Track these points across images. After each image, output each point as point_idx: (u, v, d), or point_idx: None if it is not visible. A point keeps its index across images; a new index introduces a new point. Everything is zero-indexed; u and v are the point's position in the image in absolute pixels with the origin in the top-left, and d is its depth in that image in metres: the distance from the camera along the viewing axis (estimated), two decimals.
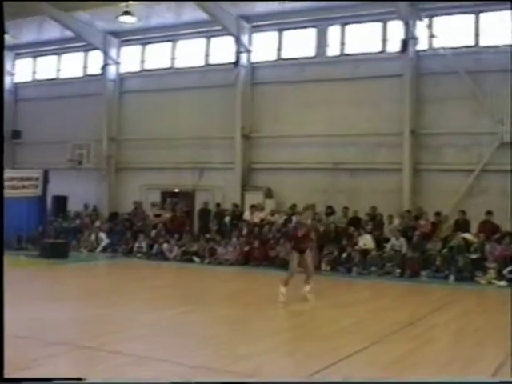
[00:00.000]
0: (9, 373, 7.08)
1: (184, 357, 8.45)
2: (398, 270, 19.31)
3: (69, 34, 27.12)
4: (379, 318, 12.06)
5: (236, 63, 24.96)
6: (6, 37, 25.29)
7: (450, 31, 21.85)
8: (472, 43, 21.69)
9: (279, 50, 25.04)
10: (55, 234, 25.33)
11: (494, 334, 10.58)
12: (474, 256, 18.69)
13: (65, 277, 19.07)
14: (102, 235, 24.61)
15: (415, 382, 7.28)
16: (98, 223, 25.64)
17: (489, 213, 19.82)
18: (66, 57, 30.06)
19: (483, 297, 16.54)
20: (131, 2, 23.15)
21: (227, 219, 23.62)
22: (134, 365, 8.04)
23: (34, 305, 12.58)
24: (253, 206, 23.39)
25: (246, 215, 23.35)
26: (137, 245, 23.62)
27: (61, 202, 27.63)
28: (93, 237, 24.75)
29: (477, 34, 21.59)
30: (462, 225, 20.14)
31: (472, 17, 21.66)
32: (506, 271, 17.84)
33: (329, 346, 9.39)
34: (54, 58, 30.34)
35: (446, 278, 18.51)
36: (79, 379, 6.15)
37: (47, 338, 9.24)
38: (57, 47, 29.65)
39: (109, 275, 20.64)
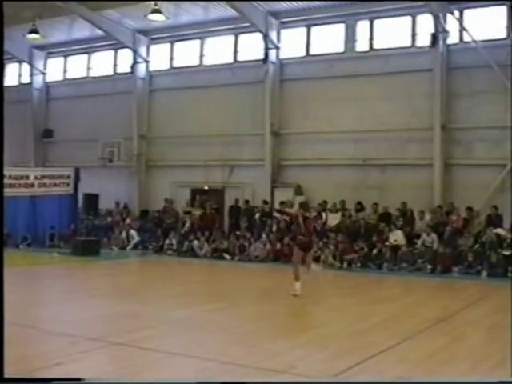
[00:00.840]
0: (41, 368, 7.18)
1: (215, 353, 8.46)
2: (429, 266, 19.19)
3: (99, 32, 27.38)
4: (410, 315, 11.99)
5: (265, 60, 24.95)
6: (37, 36, 25.65)
7: (481, 24, 21.60)
8: (504, 36, 21.43)
9: (308, 46, 25.00)
10: (87, 231, 25.56)
11: None
12: (506, 252, 18.49)
13: (96, 274, 19.22)
14: (133, 233, 24.78)
15: (415, 382, 7.22)
16: (128, 221, 25.81)
17: None
18: (96, 55, 30.33)
19: None
20: (159, 1, 23.23)
21: (257, 216, 23.63)
22: (164, 361, 8.07)
23: (66, 301, 12.70)
24: (282, 203, 23.35)
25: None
26: (167, 242, 23.74)
27: (92, 199, 27.85)
28: (123, 234, 24.93)
29: (508, 27, 21.33)
30: (495, 220, 19.94)
31: (504, 8, 21.39)
32: None
33: (360, 343, 9.35)
34: (84, 56, 30.61)
35: (478, 273, 18.39)
36: (79, 379, 6.20)
37: (79, 334, 9.30)
38: (87, 46, 29.91)
39: (140, 272, 20.76)
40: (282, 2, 24.08)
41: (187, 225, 24.37)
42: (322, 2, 23.65)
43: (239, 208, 24.60)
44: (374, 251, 20.25)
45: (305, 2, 23.83)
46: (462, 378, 7.34)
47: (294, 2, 24.00)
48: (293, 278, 13.37)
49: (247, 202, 24.56)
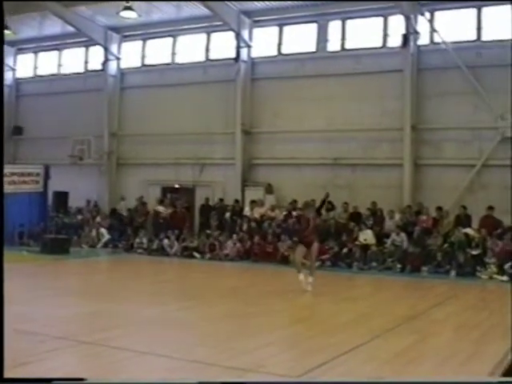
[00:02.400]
0: (9, 367, 7.10)
1: (183, 352, 8.44)
2: (399, 266, 19.32)
3: (70, 29, 27.14)
4: (380, 313, 12.06)
5: (236, 58, 24.95)
6: (8, 32, 25.37)
7: (452, 26, 21.83)
8: (473, 38, 21.65)
9: (279, 45, 25.03)
10: (56, 229, 25.32)
11: (494, 330, 10.58)
12: (475, 252, 18.67)
13: (66, 272, 19.08)
14: (103, 231, 24.62)
15: (414, 382, 7.26)
16: (98, 219, 25.64)
17: (490, 208, 19.81)
18: (67, 52, 30.07)
19: (484, 292, 16.54)
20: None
21: (228, 215, 23.62)
22: (132, 360, 8.03)
23: (34, 300, 12.59)
24: (253, 202, 23.39)
25: (246, 211, 23.35)
26: (137, 240, 23.63)
27: (62, 197, 27.59)
28: (94, 232, 24.77)
29: (478, 29, 21.56)
30: (463, 220, 20.13)
31: (474, 11, 21.61)
32: (507, 266, 17.84)
33: (330, 341, 9.39)
34: (55, 53, 30.35)
35: (446, 273, 18.54)
36: (80, 379, 6.14)
37: (47, 332, 9.23)
38: (58, 42, 29.66)
39: (110, 271, 20.66)
40: (254, 2, 24.09)
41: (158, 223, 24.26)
42: (295, 2, 23.67)
43: (210, 207, 24.55)
44: (344, 250, 20.33)
45: (277, 2, 23.83)
46: (461, 378, 7.38)
47: (266, 2, 24.01)
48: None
49: (221, 200, 24.49)
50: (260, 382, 7.15)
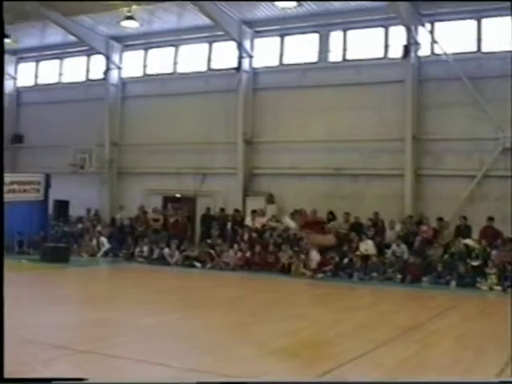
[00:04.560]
0: (6, 374, 7.07)
1: (180, 360, 8.39)
2: (399, 276, 19.31)
3: (71, 38, 27.23)
4: (381, 323, 12.03)
5: (238, 68, 25.01)
6: (9, 41, 25.42)
7: (452, 37, 21.89)
8: (474, 49, 21.71)
9: (281, 55, 25.09)
10: (56, 238, 25.29)
11: (495, 340, 10.55)
12: (475, 262, 18.65)
13: (65, 281, 19.05)
14: (103, 240, 24.59)
15: (415, 383, 7.25)
16: (99, 228, 25.61)
17: (490, 219, 19.82)
18: (68, 61, 30.14)
19: (484, 303, 16.48)
20: (134, 7, 23.18)
21: (229, 225, 23.61)
22: (129, 368, 8.01)
23: (33, 309, 12.55)
24: (254, 212, 23.38)
25: (247, 220, 23.34)
26: (138, 249, 23.60)
27: (62, 206, 27.57)
28: (94, 241, 24.73)
29: (479, 40, 21.61)
30: (464, 231, 20.14)
31: (474, 22, 21.67)
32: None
33: (331, 351, 9.37)
34: (56, 62, 30.41)
35: (447, 283, 18.51)
36: (80, 379, 6.12)
37: (45, 341, 9.20)
38: (59, 51, 29.72)
39: (109, 280, 20.63)
40: (255, 12, 24.14)
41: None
42: (296, 12, 23.69)
43: (211, 216, 24.53)
44: (345, 260, 20.31)
45: (279, 12, 23.88)
46: (461, 379, 7.38)
47: (267, 12, 24.05)
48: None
49: (222, 210, 24.46)
50: (260, 381, 7.13)
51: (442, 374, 8.12)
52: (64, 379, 6.22)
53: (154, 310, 12.85)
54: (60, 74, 30.36)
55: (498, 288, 17.67)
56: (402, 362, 8.73)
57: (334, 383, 6.84)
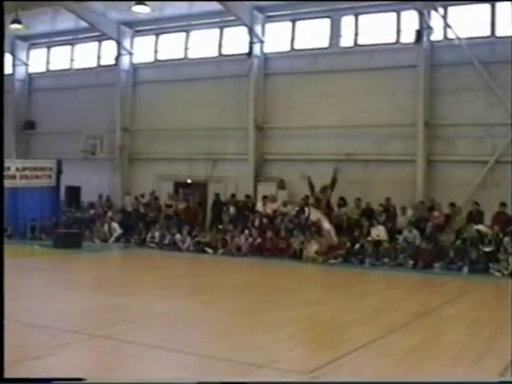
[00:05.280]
0: (21, 360, 7.13)
1: (196, 347, 8.44)
2: (411, 262, 19.30)
3: (83, 24, 27.20)
4: (392, 309, 12.05)
5: (249, 54, 24.94)
6: (20, 27, 25.46)
7: (465, 21, 21.71)
8: (487, 33, 21.54)
9: (292, 40, 24.98)
10: (69, 224, 25.41)
11: (507, 327, 10.52)
12: (487, 248, 18.60)
13: (78, 267, 19.15)
14: (115, 225, 24.68)
15: (414, 382, 7.25)
16: (110, 213, 25.70)
17: (503, 204, 19.75)
18: (79, 47, 30.14)
19: (496, 289, 16.44)
20: None
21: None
22: (145, 354, 8.05)
23: (47, 294, 12.64)
24: (265, 197, 23.39)
25: (259, 206, 23.35)
26: (149, 235, 23.68)
27: (74, 192, 27.70)
28: (106, 227, 24.83)
29: (492, 24, 21.44)
30: (476, 216, 20.06)
31: (488, 6, 21.49)
32: None
33: (343, 336, 9.40)
34: (67, 48, 30.42)
35: (459, 269, 18.49)
36: (80, 379, 6.16)
37: (60, 326, 9.26)
38: (71, 37, 29.72)
39: (121, 265, 20.72)
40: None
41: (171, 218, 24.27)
42: None
43: (221, 202, 24.54)
44: (357, 246, 20.31)
45: None
46: (462, 378, 7.37)
47: None
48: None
49: (233, 195, 24.45)
50: (260, 381, 7.15)
51: (453, 362, 8.12)
52: (64, 379, 6.26)
53: (166, 296, 12.91)
54: (71, 60, 30.37)
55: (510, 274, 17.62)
56: (411, 349, 8.73)
57: (334, 383, 6.85)
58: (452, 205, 20.52)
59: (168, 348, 8.33)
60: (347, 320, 10.84)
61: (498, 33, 21.38)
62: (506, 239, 18.65)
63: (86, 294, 13.10)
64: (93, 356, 8.20)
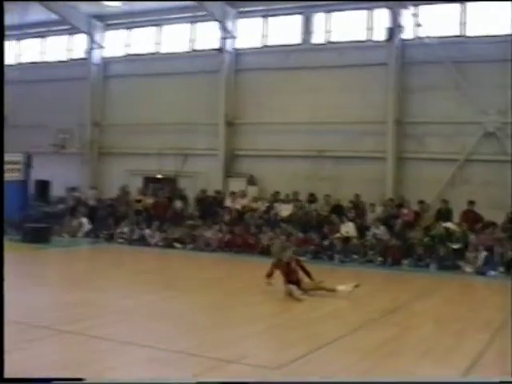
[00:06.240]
0: None
1: (165, 342, 8.44)
2: (380, 258, 19.39)
3: (54, 16, 26.90)
4: (360, 306, 12.12)
5: (221, 49, 24.87)
6: None
7: (436, 20, 21.86)
8: (458, 33, 21.72)
9: (264, 36, 24.96)
10: (37, 218, 25.13)
11: (473, 323, 10.66)
12: (455, 245, 18.77)
13: (46, 262, 18.99)
14: (84, 220, 24.48)
15: (415, 382, 7.29)
16: (80, 208, 25.46)
17: (471, 202, 19.92)
18: (50, 40, 29.81)
19: (463, 286, 16.62)
20: None
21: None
22: (115, 350, 8.02)
23: (15, 289, 12.50)
24: (233, 193, 23.35)
25: (227, 202, 23.31)
26: (118, 230, 23.53)
27: (43, 186, 27.41)
28: (75, 222, 24.61)
29: (463, 24, 21.62)
30: (444, 214, 20.22)
31: (458, 6, 21.67)
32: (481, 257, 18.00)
33: (311, 332, 9.43)
34: (38, 40, 30.10)
35: (427, 266, 18.61)
36: (79, 379, 6.14)
37: (28, 322, 9.19)
38: (41, 30, 29.37)
39: (90, 260, 20.56)
40: None
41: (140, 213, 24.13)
42: None
43: (185, 197, 24.46)
44: (326, 242, 20.37)
45: None
46: (462, 378, 7.43)
47: None
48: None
49: (203, 191, 24.34)
50: (260, 382, 7.16)
51: (420, 357, 8.20)
52: (64, 379, 6.23)
53: (134, 291, 12.87)
54: (42, 53, 30.06)
55: (478, 271, 17.80)
56: (379, 345, 8.81)
57: (334, 383, 6.89)
58: (421, 202, 20.67)
59: (137, 343, 8.32)
60: (315, 316, 10.90)
61: (468, 32, 21.55)
62: (472, 237, 18.85)
63: (54, 289, 13.02)
64: (62, 351, 8.15)
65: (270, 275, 13.04)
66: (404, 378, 7.26)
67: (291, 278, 12.91)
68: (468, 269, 18.08)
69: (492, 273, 17.60)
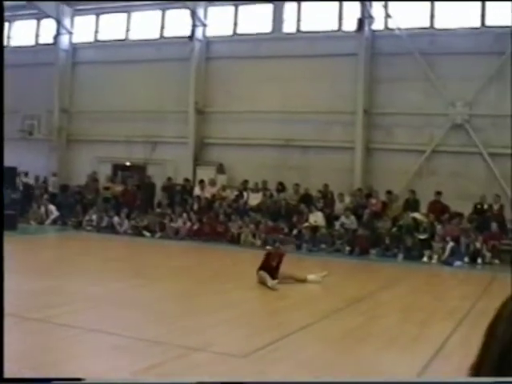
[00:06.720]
0: None
1: (133, 330, 8.42)
2: (348, 248, 19.52)
3: (21, 1, 26.53)
4: (328, 294, 12.22)
5: (191, 37, 24.75)
6: None
7: (406, 12, 21.97)
8: (427, 25, 21.86)
9: (235, 24, 24.89)
10: (3, 205, 24.84)
11: (438, 312, 10.79)
12: (422, 236, 18.95)
13: (13, 249, 18.70)
14: (52, 207, 24.28)
15: (414, 382, 7.37)
16: (47, 195, 25.26)
17: (438, 193, 20.13)
18: (17, 24, 29.41)
19: (430, 276, 16.81)
20: None
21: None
22: (81, 337, 7.99)
23: None
24: (201, 182, 23.30)
25: (196, 190, 23.28)
26: (87, 218, 23.38)
27: (10, 173, 27.09)
28: (42, 209, 24.40)
29: (432, 16, 21.77)
30: (412, 204, 20.42)
31: None
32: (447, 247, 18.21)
33: (278, 321, 9.49)
34: (5, 25, 29.67)
35: (394, 256, 18.79)
36: (79, 379, 6.09)
37: None
38: (8, 14, 28.90)
39: (58, 248, 20.43)
40: None
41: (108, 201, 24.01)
42: None
43: (152, 185, 24.42)
44: (294, 232, 20.45)
45: None
46: (462, 378, 7.51)
47: None
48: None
49: (169, 179, 24.30)
50: (260, 381, 7.17)
51: (386, 346, 8.29)
52: (63, 379, 6.21)
53: (102, 279, 12.82)
54: (8, 38, 29.63)
55: (444, 261, 18.02)
56: (345, 333, 8.89)
57: (334, 383, 6.91)
58: (389, 192, 20.84)
59: (104, 331, 8.29)
60: (283, 305, 10.96)
61: (438, 25, 21.71)
62: (439, 227, 19.06)
63: (20, 276, 12.87)
64: (26, 339, 8.08)
65: (269, 269, 12.80)
66: (404, 378, 7.34)
67: (268, 266, 12.78)
68: (432, 260, 18.30)
69: (458, 263, 17.84)
